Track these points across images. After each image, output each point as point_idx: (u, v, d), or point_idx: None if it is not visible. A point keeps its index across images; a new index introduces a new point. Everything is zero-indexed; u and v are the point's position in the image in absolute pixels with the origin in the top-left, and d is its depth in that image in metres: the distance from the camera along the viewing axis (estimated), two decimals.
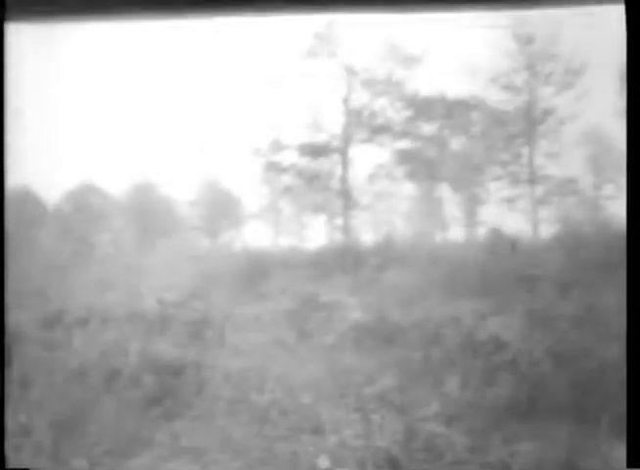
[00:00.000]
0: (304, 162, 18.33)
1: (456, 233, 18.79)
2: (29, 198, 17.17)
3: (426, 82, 17.74)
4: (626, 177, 4.94)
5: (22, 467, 6.44)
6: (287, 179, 18.74)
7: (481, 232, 18.08)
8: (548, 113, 17.73)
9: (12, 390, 7.66)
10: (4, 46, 5.04)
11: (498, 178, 18.07)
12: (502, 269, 13.36)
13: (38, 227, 17.07)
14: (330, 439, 7.26)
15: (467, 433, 7.32)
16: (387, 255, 15.56)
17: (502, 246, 15.50)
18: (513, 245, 15.42)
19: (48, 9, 4.84)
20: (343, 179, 18.26)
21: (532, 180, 17.75)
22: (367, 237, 18.90)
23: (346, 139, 18.20)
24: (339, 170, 18.34)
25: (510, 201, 17.88)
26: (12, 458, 6.37)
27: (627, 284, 4.93)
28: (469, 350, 9.66)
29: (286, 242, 20.07)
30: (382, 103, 18.29)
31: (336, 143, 18.17)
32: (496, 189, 18.06)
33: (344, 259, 15.48)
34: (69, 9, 4.84)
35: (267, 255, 17.24)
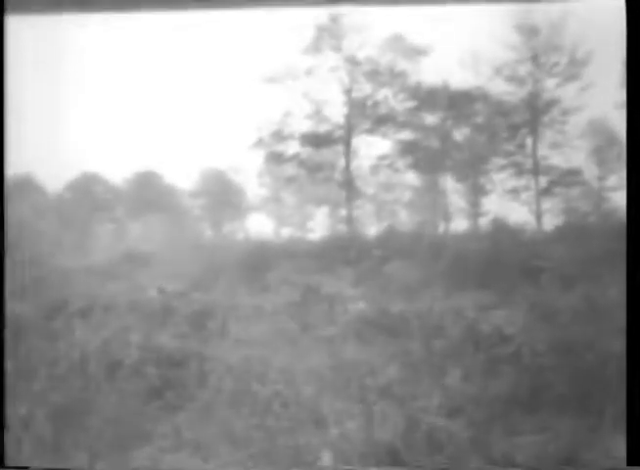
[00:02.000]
0: (307, 152, 18.28)
1: (459, 224, 18.73)
2: (31, 187, 17.14)
3: (429, 73, 17.68)
4: (626, 168, 4.90)
5: (22, 464, 6.44)
6: (290, 170, 18.70)
7: (485, 223, 18.02)
8: (552, 104, 17.66)
9: (13, 381, 7.65)
10: (4, 37, 5.02)
11: (502, 169, 18.02)
12: (505, 261, 13.32)
13: (40, 217, 17.05)
14: (332, 431, 7.25)
15: (469, 425, 7.30)
16: (390, 246, 15.51)
17: (505, 237, 15.46)
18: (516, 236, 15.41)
19: (47, 2, 4.81)
20: (346, 170, 18.21)
21: (536, 171, 17.70)
22: (370, 228, 18.88)
23: (349, 130, 18.15)
24: (342, 161, 18.30)
25: (514, 192, 17.84)
26: (12, 451, 6.37)
27: (627, 276, 4.90)
28: (471, 342, 9.63)
29: (288, 233, 20.04)
30: (385, 94, 18.23)
31: (339, 133, 18.12)
32: (500, 180, 18.01)
33: (347, 251, 15.44)
34: (68, 2, 4.81)
35: (270, 245, 17.21)
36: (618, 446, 6.49)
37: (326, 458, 6.80)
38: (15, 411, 7.09)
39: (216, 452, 6.95)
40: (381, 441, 6.96)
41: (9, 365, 7.11)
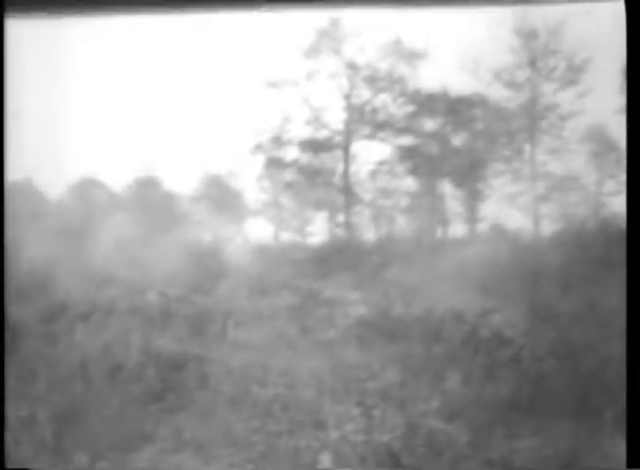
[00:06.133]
0: (307, 157, 18.33)
1: (458, 229, 18.75)
2: (31, 192, 17.15)
3: (428, 78, 17.73)
4: (627, 173, 4.93)
5: (23, 466, 6.44)
6: (289, 175, 18.74)
7: (483, 228, 18.06)
8: (550, 109, 17.69)
9: (14, 384, 7.67)
10: (4, 40, 5.04)
11: (500, 174, 18.05)
12: (503, 266, 13.34)
13: (40, 221, 17.05)
14: (332, 434, 7.26)
15: (468, 429, 7.31)
16: (388, 251, 15.55)
17: (503, 242, 15.49)
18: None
19: (47, 4, 4.83)
20: (345, 175, 18.25)
21: (534, 176, 17.73)
22: (369, 233, 18.89)
23: (348, 135, 18.19)
24: (341, 166, 18.34)
25: (512, 197, 17.87)
26: (13, 452, 6.38)
27: (627, 280, 4.93)
28: (471, 346, 9.65)
29: (288, 238, 20.04)
30: (384, 99, 18.27)
31: (338, 139, 18.16)
32: (498, 185, 18.04)
33: (346, 256, 15.47)
34: (69, 3, 4.84)
35: (269, 250, 17.23)
36: (618, 449, 6.50)
37: (325, 460, 6.81)
38: (16, 413, 7.10)
39: (217, 454, 6.97)
40: (380, 444, 6.97)
41: (10, 368, 7.13)
